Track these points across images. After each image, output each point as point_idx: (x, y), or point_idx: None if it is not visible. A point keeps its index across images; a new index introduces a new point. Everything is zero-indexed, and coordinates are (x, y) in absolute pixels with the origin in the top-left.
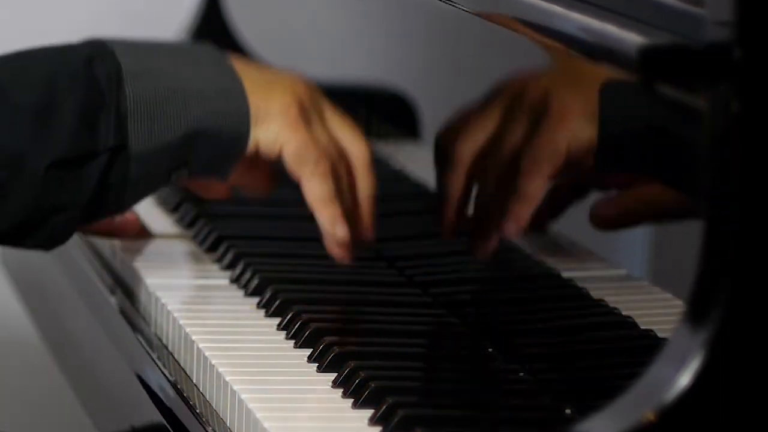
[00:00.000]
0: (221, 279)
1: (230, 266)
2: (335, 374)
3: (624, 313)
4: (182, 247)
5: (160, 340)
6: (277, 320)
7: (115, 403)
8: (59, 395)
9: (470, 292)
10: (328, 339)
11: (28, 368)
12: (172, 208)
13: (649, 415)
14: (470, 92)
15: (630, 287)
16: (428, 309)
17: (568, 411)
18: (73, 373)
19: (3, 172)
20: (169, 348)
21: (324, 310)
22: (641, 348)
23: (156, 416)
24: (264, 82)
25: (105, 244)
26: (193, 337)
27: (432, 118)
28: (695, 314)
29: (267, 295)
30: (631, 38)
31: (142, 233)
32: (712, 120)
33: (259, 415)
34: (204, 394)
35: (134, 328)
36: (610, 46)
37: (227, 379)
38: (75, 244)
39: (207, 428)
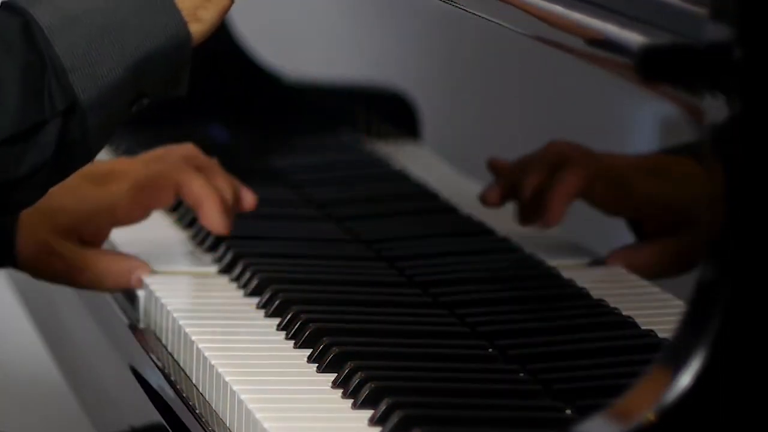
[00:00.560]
0: (221, 279)
1: (230, 266)
2: (335, 374)
3: (624, 313)
4: (182, 247)
5: (160, 340)
6: (276, 320)
7: (114, 403)
8: (58, 395)
9: (470, 292)
10: (327, 339)
11: (26, 368)
12: (172, 207)
13: (649, 415)
14: (470, 92)
15: (630, 287)
16: (428, 309)
17: (568, 411)
18: (72, 373)
19: None
20: (169, 348)
21: (324, 310)
22: (642, 348)
23: (155, 416)
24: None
25: (104, 244)
26: (193, 338)
27: (432, 118)
28: (696, 315)
29: (267, 295)
30: (631, 38)
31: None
32: (712, 120)
33: (258, 415)
34: (203, 394)
35: (133, 328)
36: (610, 46)
37: (227, 379)
38: None
39: (207, 429)
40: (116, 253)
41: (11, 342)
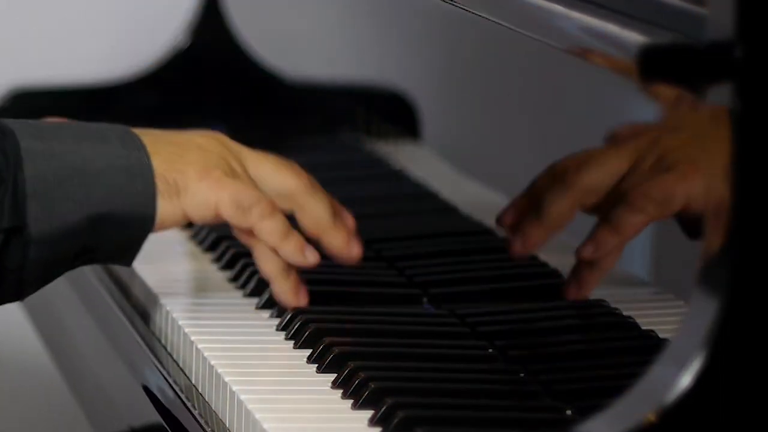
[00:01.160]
0: (220, 279)
1: (229, 266)
2: (335, 375)
3: (625, 313)
4: (181, 246)
5: (159, 340)
6: (276, 321)
7: (113, 404)
8: (57, 396)
9: (470, 292)
10: (327, 339)
11: (26, 369)
12: None
13: (649, 415)
14: (470, 92)
15: (631, 288)
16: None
17: (568, 412)
18: (72, 374)
19: None
20: (168, 349)
21: (323, 310)
22: (642, 348)
23: (155, 417)
24: (176, 153)
25: None
26: (193, 338)
27: (432, 118)
28: (696, 315)
29: (266, 296)
30: (632, 37)
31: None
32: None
33: (258, 415)
34: (203, 395)
35: (133, 328)
36: (611, 46)
37: (226, 379)
38: None
39: (206, 429)
40: None
41: (10, 342)
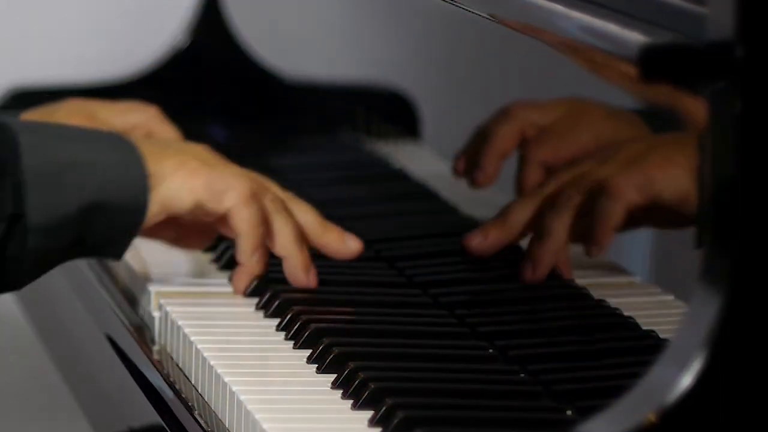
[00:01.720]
0: (220, 279)
1: (229, 266)
2: (335, 375)
3: (625, 313)
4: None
5: (158, 340)
6: (276, 320)
7: (113, 404)
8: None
9: (470, 293)
10: (327, 340)
11: (25, 369)
12: None
13: (650, 416)
14: (470, 92)
15: (631, 288)
16: (428, 309)
17: (569, 412)
18: (71, 374)
19: None
20: (167, 349)
21: (324, 311)
22: (642, 349)
23: (154, 418)
24: (157, 149)
25: None
26: (192, 338)
27: (432, 118)
28: (696, 315)
29: (267, 296)
30: (632, 37)
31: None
32: (713, 119)
33: (258, 416)
34: (203, 395)
35: (132, 328)
36: (611, 45)
37: (226, 380)
38: None
39: (206, 430)
40: None
41: (9, 342)
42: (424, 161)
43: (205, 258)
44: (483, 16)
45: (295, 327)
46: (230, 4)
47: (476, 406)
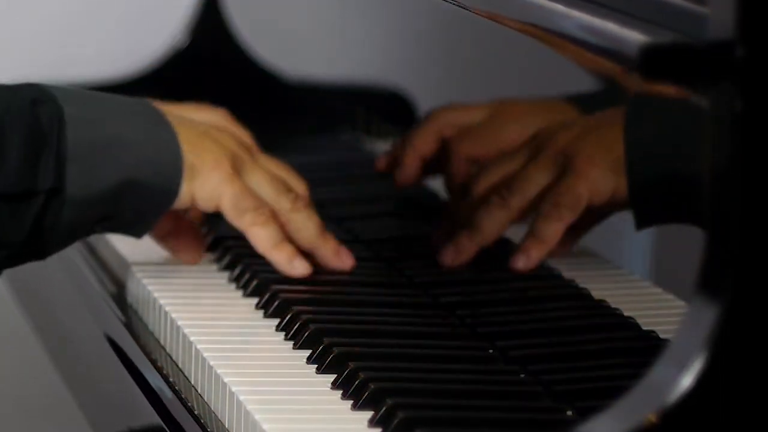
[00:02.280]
0: (220, 279)
1: (229, 266)
2: (335, 375)
3: (626, 314)
4: None
5: (158, 341)
6: (276, 321)
7: (112, 405)
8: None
9: (470, 293)
10: (327, 340)
11: (24, 369)
12: None
13: (650, 416)
14: (470, 91)
15: (632, 288)
16: (428, 309)
17: (569, 412)
18: (70, 374)
19: None
20: (167, 349)
21: (324, 311)
22: (643, 349)
23: (154, 418)
24: (195, 136)
25: (103, 244)
26: (192, 338)
27: None
28: (697, 315)
29: (266, 296)
30: (632, 36)
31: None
32: (714, 119)
33: (258, 416)
34: (202, 395)
35: (131, 329)
36: (611, 45)
37: (226, 380)
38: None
39: (206, 430)
40: None
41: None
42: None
43: (204, 258)
44: (483, 16)
45: (295, 327)
46: (230, 4)
47: (476, 406)
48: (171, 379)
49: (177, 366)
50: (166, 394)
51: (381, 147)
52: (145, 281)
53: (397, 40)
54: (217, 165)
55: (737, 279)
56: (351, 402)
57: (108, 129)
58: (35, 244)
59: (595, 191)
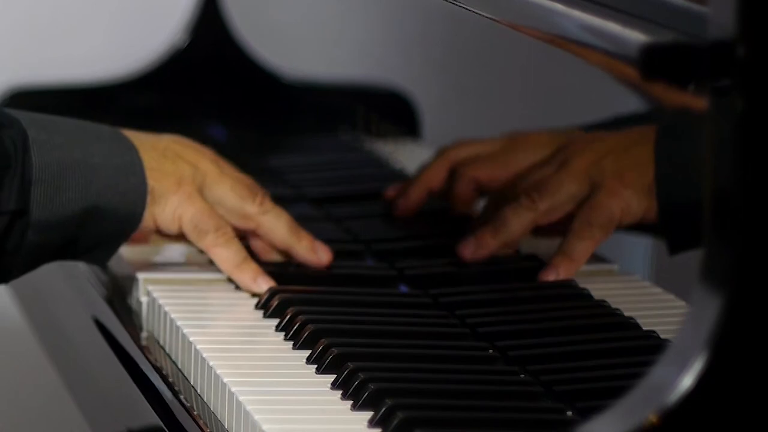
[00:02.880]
0: (219, 279)
1: None
2: (334, 376)
3: (626, 314)
4: (180, 247)
5: (157, 341)
6: (276, 321)
7: (112, 405)
8: (55, 397)
9: (470, 293)
10: (327, 340)
11: (23, 370)
12: None
13: (651, 417)
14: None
15: (632, 288)
16: (428, 310)
17: (569, 413)
18: (70, 375)
19: None
20: (167, 349)
21: (323, 311)
22: (643, 349)
23: (153, 419)
24: (156, 160)
25: None
26: (191, 339)
27: (432, 118)
28: (697, 315)
29: (265, 296)
30: (633, 36)
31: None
32: (715, 118)
33: (257, 417)
34: (202, 395)
35: (131, 329)
36: (611, 45)
37: (225, 380)
38: None
39: (205, 430)
40: None
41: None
42: (424, 160)
43: (204, 258)
44: (483, 16)
45: (295, 327)
46: (229, 4)
47: (476, 406)
48: (171, 379)
49: (177, 366)
50: (166, 394)
51: (381, 147)
52: (145, 282)
53: (397, 40)
54: (177, 187)
55: (738, 279)
56: (351, 402)
57: (72, 153)
58: None
59: (626, 212)
